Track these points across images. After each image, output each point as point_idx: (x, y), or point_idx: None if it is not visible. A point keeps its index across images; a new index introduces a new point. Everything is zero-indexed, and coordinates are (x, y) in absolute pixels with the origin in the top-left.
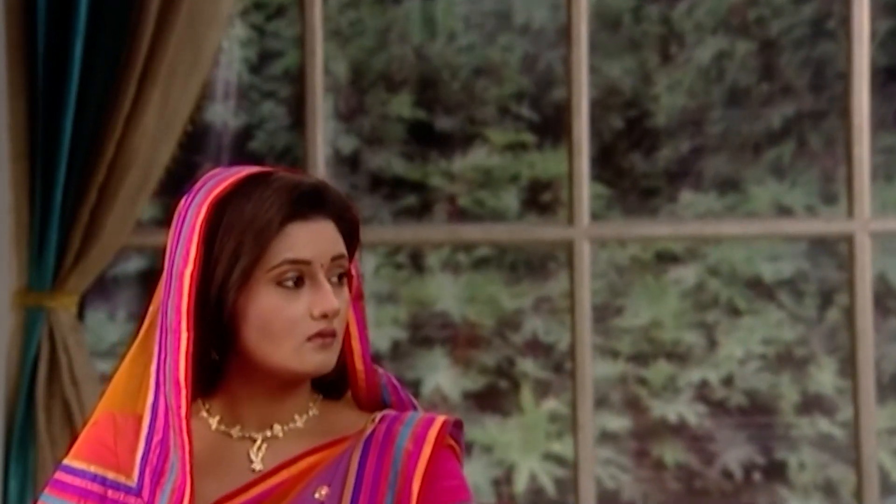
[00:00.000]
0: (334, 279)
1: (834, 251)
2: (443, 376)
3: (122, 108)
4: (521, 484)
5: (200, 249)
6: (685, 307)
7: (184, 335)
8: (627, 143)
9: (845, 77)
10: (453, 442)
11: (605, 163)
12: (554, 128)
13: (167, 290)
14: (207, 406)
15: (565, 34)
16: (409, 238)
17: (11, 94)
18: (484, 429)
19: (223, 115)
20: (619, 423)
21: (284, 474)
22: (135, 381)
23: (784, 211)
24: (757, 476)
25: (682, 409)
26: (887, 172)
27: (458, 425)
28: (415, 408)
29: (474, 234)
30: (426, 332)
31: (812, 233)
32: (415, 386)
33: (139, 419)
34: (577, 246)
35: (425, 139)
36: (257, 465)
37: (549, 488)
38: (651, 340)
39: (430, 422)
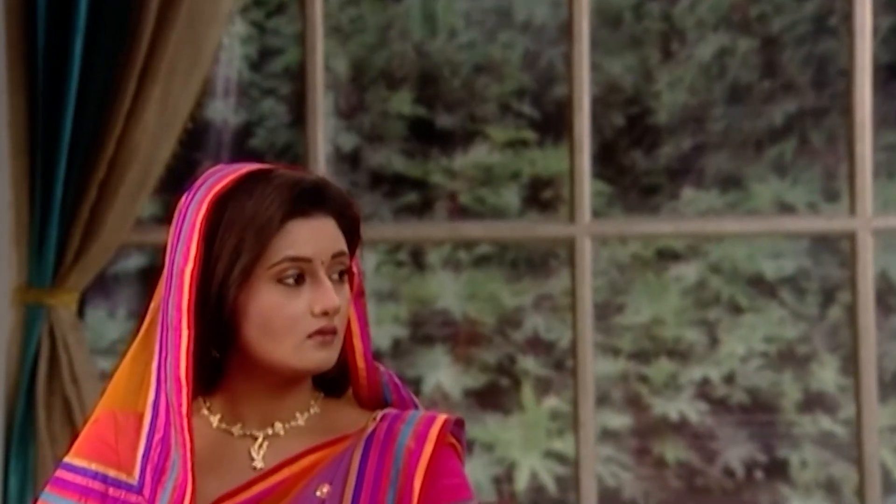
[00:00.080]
0: (335, 276)
1: (836, 249)
2: (444, 374)
3: (122, 105)
4: (522, 482)
5: (201, 247)
6: (686, 305)
7: (184, 333)
8: (629, 141)
9: (847, 74)
10: (455, 440)
11: (607, 160)
12: (555, 125)
13: (168, 288)
14: (208, 404)
15: (566, 31)
16: (409, 235)
17: (11, 91)
18: (485, 427)
19: (223, 113)
20: (620, 420)
21: (286, 472)
22: (136, 378)
23: (786, 208)
24: (758, 474)
25: (683, 406)
26: (889, 170)
27: (459, 423)
28: (416, 406)
29: (475, 232)
30: (427, 329)
31: (814, 230)
32: (416, 384)
33: (140, 417)
34: (578, 243)
35: (426, 136)
36: (258, 463)
37: (550, 486)
38: (652, 338)
39: (431, 420)
